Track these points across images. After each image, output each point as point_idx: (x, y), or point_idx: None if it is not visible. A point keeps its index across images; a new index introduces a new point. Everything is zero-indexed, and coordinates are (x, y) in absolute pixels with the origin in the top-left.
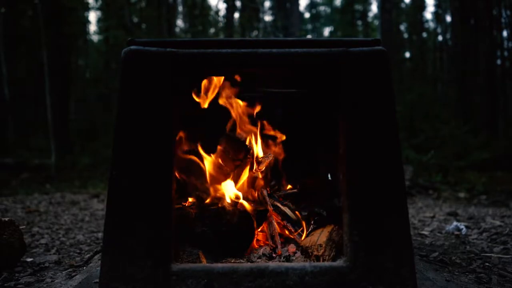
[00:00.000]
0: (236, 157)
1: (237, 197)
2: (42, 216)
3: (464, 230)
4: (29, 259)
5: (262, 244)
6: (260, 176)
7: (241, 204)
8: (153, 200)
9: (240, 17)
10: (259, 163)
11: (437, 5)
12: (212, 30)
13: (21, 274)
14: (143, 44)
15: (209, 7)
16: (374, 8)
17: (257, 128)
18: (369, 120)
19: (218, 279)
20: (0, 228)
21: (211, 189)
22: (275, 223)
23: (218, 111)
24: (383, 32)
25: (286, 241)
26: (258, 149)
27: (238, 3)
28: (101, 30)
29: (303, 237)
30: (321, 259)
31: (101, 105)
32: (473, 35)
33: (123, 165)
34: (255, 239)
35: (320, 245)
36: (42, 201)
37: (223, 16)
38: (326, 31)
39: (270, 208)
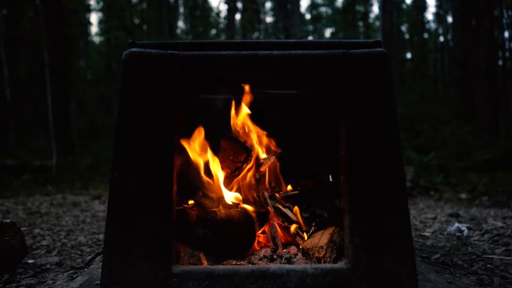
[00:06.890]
0: (237, 159)
1: (238, 199)
2: (43, 218)
3: (465, 232)
4: (30, 261)
5: (263, 246)
6: (261, 177)
7: (242, 206)
8: (154, 202)
9: (241, 18)
10: (260, 164)
11: (438, 6)
12: (213, 32)
13: (23, 275)
14: (144, 46)
15: (210, 9)
16: (375, 9)
17: (258, 129)
18: (369, 121)
19: (219, 281)
20: (1, 230)
21: (212, 191)
22: (276, 225)
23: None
24: (384, 33)
25: (287, 242)
26: (259, 151)
27: (239, 5)
28: (102, 32)
29: (304, 239)
30: (322, 261)
31: (102, 106)
32: (474, 35)
33: (124, 166)
34: (256, 240)
35: (321, 247)
36: (43, 202)
37: (224, 17)
38: (327, 32)
39: (271, 210)
